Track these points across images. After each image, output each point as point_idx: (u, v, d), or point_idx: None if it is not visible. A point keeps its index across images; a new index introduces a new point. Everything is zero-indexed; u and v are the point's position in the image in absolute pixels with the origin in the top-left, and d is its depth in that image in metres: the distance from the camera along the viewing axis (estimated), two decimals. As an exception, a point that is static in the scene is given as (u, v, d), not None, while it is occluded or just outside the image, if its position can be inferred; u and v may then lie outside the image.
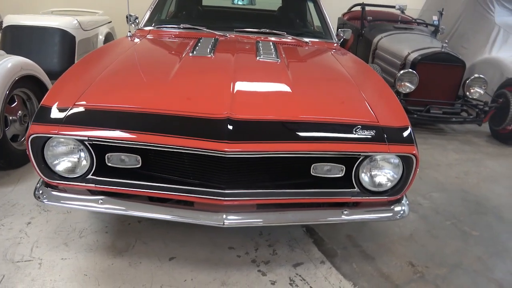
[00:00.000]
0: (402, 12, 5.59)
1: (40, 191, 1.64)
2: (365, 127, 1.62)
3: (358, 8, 6.06)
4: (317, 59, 2.62)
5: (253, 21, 3.35)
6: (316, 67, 2.43)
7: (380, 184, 1.65)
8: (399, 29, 5.03)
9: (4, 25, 4.25)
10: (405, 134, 1.65)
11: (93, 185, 1.58)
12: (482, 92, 3.97)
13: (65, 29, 4.26)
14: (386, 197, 1.68)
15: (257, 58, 2.25)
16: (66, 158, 1.57)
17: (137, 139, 1.47)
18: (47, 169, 1.57)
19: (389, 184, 1.65)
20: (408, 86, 3.92)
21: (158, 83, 1.80)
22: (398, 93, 3.99)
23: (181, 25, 2.92)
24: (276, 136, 1.53)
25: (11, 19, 4.25)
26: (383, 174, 1.64)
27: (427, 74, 3.97)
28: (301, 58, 2.57)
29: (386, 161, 1.62)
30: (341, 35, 3.27)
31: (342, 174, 1.63)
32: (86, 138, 1.49)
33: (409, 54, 4.13)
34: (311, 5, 3.52)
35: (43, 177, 1.58)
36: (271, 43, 2.64)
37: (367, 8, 5.41)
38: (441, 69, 4.01)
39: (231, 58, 2.18)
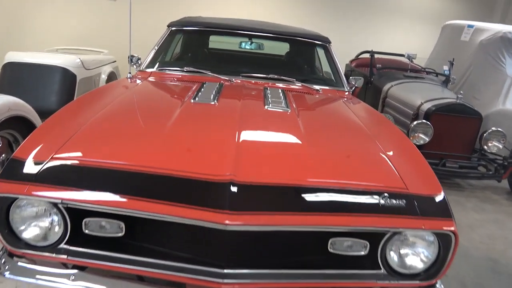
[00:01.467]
0: (411, 61, 5.50)
1: (2, 260, 1.36)
2: (392, 196, 1.36)
3: (366, 55, 6.01)
4: (330, 109, 2.42)
5: (260, 66, 3.20)
6: (329, 119, 2.21)
7: (411, 266, 1.36)
8: (409, 77, 4.90)
9: (5, 61, 4.14)
10: (441, 205, 1.40)
11: (66, 256, 1.31)
12: (500, 146, 3.74)
13: (66, 67, 4.15)
14: (418, 282, 1.39)
15: (265, 107, 2.04)
16: (36, 223, 1.31)
17: (120, 205, 1.22)
18: (11, 235, 1.31)
19: (422, 266, 1.37)
20: (422, 138, 3.71)
21: (153, 134, 1.57)
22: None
23: (185, 68, 2.76)
24: (288, 205, 1.27)
25: (12, 56, 4.15)
26: (415, 254, 1.36)
27: (441, 126, 3.77)
28: (313, 107, 2.37)
29: (418, 238, 1.35)
30: (353, 83, 3.10)
31: (366, 252, 1.35)
32: (60, 201, 1.24)
33: (422, 104, 3.95)
34: (321, 52, 3.38)
35: (6, 244, 1.32)
36: (280, 90, 2.45)
37: (375, 55, 5.34)
38: (456, 121, 3.81)
39: (237, 106, 1.97)
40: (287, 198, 1.30)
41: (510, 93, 5.00)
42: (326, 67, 3.47)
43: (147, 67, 2.88)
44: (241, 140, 1.55)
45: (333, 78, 3.12)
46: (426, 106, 3.89)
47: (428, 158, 3.74)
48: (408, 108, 4.15)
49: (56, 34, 6.67)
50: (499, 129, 3.75)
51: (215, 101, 2.02)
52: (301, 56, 3.45)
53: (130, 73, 2.75)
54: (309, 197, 1.32)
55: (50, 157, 1.35)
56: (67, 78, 4.16)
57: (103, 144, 1.49)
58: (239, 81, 2.68)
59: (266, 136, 1.70)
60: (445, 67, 5.13)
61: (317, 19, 7.62)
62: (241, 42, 3.27)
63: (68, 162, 1.34)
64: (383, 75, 5.08)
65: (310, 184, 1.36)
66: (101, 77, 4.87)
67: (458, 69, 5.37)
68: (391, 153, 1.69)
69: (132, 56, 3.10)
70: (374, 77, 5.14)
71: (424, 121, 3.70)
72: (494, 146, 3.76)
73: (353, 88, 3.07)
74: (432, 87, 4.55)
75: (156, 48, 3.04)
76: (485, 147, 3.75)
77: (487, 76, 5.24)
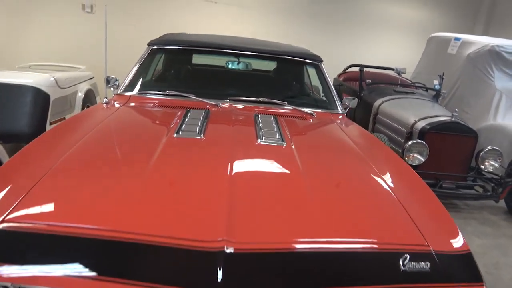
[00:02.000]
0: (399, 75, 5.40)
1: None
2: (414, 257, 1.16)
3: (354, 68, 5.89)
4: (327, 138, 2.21)
5: (249, 86, 2.98)
6: (328, 152, 2.00)
7: None
8: (400, 93, 4.78)
9: (-30, 81, 3.81)
10: (468, 264, 1.20)
11: None
12: (497, 165, 3.62)
13: (38, 86, 3.84)
14: None
15: (258, 140, 1.82)
16: None
17: None
18: None
19: None
20: (417, 158, 3.55)
21: (127, 186, 1.32)
22: (406, 164, 3.62)
23: (167, 92, 2.53)
24: (293, 281, 1.05)
25: (-22, 76, 3.82)
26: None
27: (436, 145, 3.63)
28: (309, 137, 2.16)
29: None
30: (347, 103, 2.93)
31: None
32: (9, 284, 0.98)
33: (416, 122, 3.81)
34: (311, 71, 3.20)
35: None
36: (272, 117, 2.24)
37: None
38: (452, 139, 3.68)
39: (226, 142, 1.75)
40: (292, 270, 1.07)
41: (500, 107, 4.94)
42: (318, 87, 3.31)
43: (125, 90, 2.64)
44: (234, 189, 1.32)
45: (326, 99, 2.94)
46: (420, 125, 3.75)
47: (423, 179, 3.63)
48: (401, 126, 4.00)
49: (29, 49, 6.33)
50: (495, 147, 3.63)
51: (201, 135, 1.79)
52: (291, 76, 3.27)
53: (106, 97, 2.50)
54: (317, 266, 1.10)
55: (1, 219, 1.10)
56: (40, 98, 3.85)
57: (66, 201, 1.24)
58: (227, 105, 2.47)
59: (262, 183, 1.45)
60: (435, 82, 5.04)
61: (302, 32, 7.51)
62: (227, 62, 3.07)
63: (22, 227, 1.09)
64: (373, 90, 4.95)
65: (318, 248, 1.14)
66: (78, 96, 4.57)
67: (446, 83, 5.29)
68: (402, 195, 1.49)
69: (109, 77, 2.86)
70: (363, 92, 5.01)
71: (419, 140, 3.55)
72: (490, 165, 3.63)
73: (347, 110, 2.90)
74: (424, 103, 4.44)
75: (135, 68, 2.80)
76: (482, 166, 3.63)
77: (476, 90, 5.18)
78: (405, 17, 8.17)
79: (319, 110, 2.69)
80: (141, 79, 2.74)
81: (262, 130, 1.94)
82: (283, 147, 1.78)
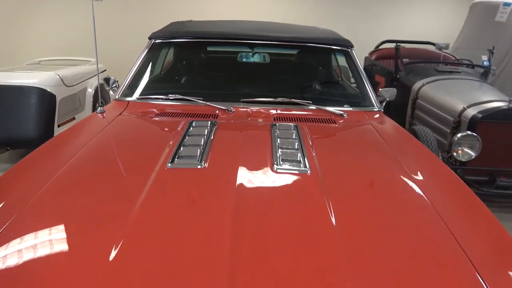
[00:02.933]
0: (441, 50, 4.75)
1: None
2: None
3: (388, 45, 5.29)
4: (363, 153, 1.74)
5: (265, 83, 2.55)
6: (365, 181, 1.49)
7: None
8: (443, 72, 4.19)
9: (-26, 84, 3.59)
10: None
11: None
12: None
13: (42, 87, 3.58)
14: None
15: (274, 167, 1.42)
16: None
17: None
18: None
19: None
20: (467, 153, 3.04)
21: (97, 258, 0.97)
22: (452, 159, 3.12)
23: (170, 96, 2.16)
24: None
25: (-19, 78, 3.60)
26: None
27: (490, 137, 3.09)
28: (339, 155, 1.70)
29: None
30: (384, 96, 2.46)
31: None
32: None
33: (464, 109, 3.27)
34: (341, 59, 2.73)
35: None
36: (292, 127, 1.82)
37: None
38: (510, 130, 3.12)
39: (233, 173, 1.35)
40: None
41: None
42: (348, 77, 2.83)
43: (124, 94, 2.29)
44: (237, 255, 0.95)
45: (359, 93, 2.48)
46: (470, 113, 3.20)
47: (473, 175, 3.14)
48: (447, 114, 3.46)
49: (37, 43, 6.10)
50: None
51: (202, 162, 1.41)
52: (316, 67, 2.80)
53: (101, 106, 2.16)
54: None
55: None
56: (45, 99, 3.59)
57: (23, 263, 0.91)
58: (241, 109, 2.08)
59: (275, 245, 1.04)
60: (484, 57, 4.39)
61: (321, 7, 6.87)
62: (240, 55, 2.64)
63: None
64: (412, 71, 4.37)
65: None
66: (87, 92, 4.30)
67: (494, 55, 4.62)
68: (463, 234, 1.08)
69: (108, 78, 2.53)
70: (400, 73, 4.44)
71: (470, 133, 3.03)
72: (557, 158, 3.07)
73: (384, 104, 2.43)
74: (472, 85, 3.84)
75: (135, 68, 2.44)
76: (547, 160, 3.07)
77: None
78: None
79: (351, 109, 2.25)
80: (142, 81, 2.38)
81: (279, 151, 1.53)
82: (307, 175, 1.37)
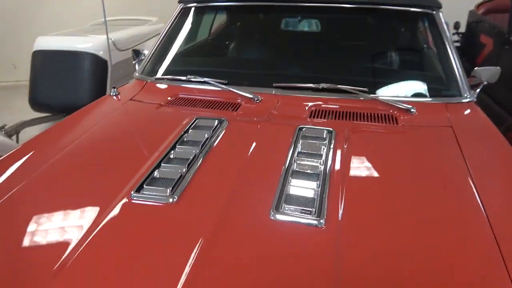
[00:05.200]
0: None
1: None
2: None
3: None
4: (421, 191, 1.10)
5: (312, 60, 1.98)
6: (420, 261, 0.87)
7: None
8: None
9: (33, 49, 3.62)
10: None
11: None
12: None
13: (94, 52, 3.46)
14: None
15: (271, 212, 0.95)
16: None
17: None
18: None
19: None
20: None
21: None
22: None
23: (189, 77, 1.78)
24: None
25: (40, 43, 3.60)
26: None
27: None
28: (381, 192, 1.08)
29: None
30: (480, 76, 1.76)
31: None
32: None
33: None
34: (421, 25, 2.02)
35: None
36: (324, 136, 1.32)
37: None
38: None
39: (210, 218, 0.94)
40: None
41: None
42: (431, 51, 2.12)
43: (144, 72, 1.98)
44: None
45: (441, 73, 1.80)
46: None
47: None
48: None
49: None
50: None
51: (174, 196, 1.02)
52: (382, 38, 2.09)
53: (115, 87, 1.88)
54: None
55: None
56: (97, 65, 3.49)
57: None
58: (272, 94, 1.63)
59: None
60: None
61: None
62: (285, 21, 2.09)
63: None
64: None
65: None
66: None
67: None
68: None
69: (136, 51, 2.24)
70: (515, 33, 3.39)
71: None
72: None
73: (480, 88, 1.74)
74: None
75: (159, 40, 2.09)
76: None
77: None
78: None
79: (425, 99, 1.64)
80: (164, 57, 2.03)
81: (290, 181, 1.07)
82: (321, 231, 0.91)
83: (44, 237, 0.93)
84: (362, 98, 1.59)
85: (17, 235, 0.94)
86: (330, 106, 1.58)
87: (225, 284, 0.77)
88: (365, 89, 1.59)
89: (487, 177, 1.16)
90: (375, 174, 1.14)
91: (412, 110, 1.53)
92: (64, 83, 3.48)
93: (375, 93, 1.62)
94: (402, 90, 1.69)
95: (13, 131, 3.08)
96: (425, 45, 1.99)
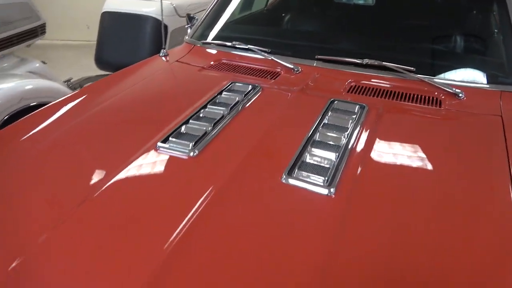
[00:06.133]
0: None
1: None
2: None
3: None
4: (455, 177, 1.05)
5: (365, 33, 1.89)
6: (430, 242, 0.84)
7: None
8: None
9: (103, 10, 3.86)
10: None
11: None
12: None
13: (157, 17, 3.60)
14: None
15: (283, 178, 0.96)
16: None
17: None
18: None
19: None
20: None
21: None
22: None
23: (235, 44, 1.81)
24: None
25: (109, 4, 3.81)
26: None
27: None
28: (408, 172, 1.05)
29: None
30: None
31: None
32: None
33: None
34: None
35: None
36: (356, 111, 1.29)
37: None
38: None
39: (223, 172, 0.99)
40: None
41: None
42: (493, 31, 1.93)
43: (193, 36, 2.05)
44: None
45: (502, 59, 1.64)
46: None
47: None
48: None
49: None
50: None
51: (195, 151, 1.07)
52: (446, 18, 1.91)
53: (164, 48, 1.97)
54: None
55: None
56: (158, 29, 3.62)
57: None
58: (313, 66, 1.62)
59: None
60: None
61: None
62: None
63: None
64: None
65: None
66: (203, 23, 4.20)
67: None
68: None
69: (190, 17, 2.31)
70: None
71: None
72: None
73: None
74: None
75: (212, 6, 2.13)
76: None
77: None
78: None
79: (477, 85, 1.52)
80: (214, 22, 2.07)
81: (310, 150, 1.07)
82: (328, 198, 0.91)
83: (76, 172, 1.03)
84: (407, 78, 1.52)
85: (55, 169, 1.06)
86: (371, 82, 1.52)
87: (223, 229, 0.82)
88: (412, 68, 1.51)
89: None
90: (400, 155, 1.10)
91: (460, 95, 1.43)
92: (127, 44, 3.68)
93: (422, 74, 1.53)
94: (453, 73, 1.58)
95: (77, 85, 3.35)
96: (487, 28, 1.82)
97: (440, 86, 1.45)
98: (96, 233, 0.83)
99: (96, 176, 0.99)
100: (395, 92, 1.45)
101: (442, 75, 1.56)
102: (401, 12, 1.95)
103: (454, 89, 1.44)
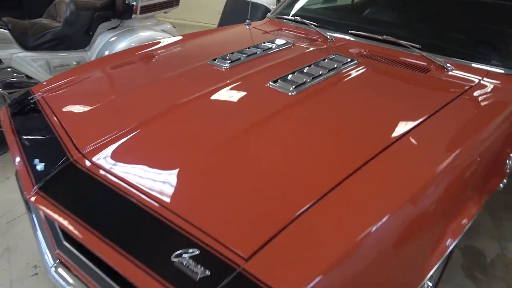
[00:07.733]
0: None
1: None
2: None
3: None
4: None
5: (405, 17, 2.26)
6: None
7: None
8: None
9: (227, -4, 4.78)
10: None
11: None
12: None
13: (267, 6, 4.36)
14: None
15: (269, 84, 1.58)
16: None
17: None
18: None
19: None
20: None
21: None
22: None
23: (297, 18, 2.42)
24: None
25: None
26: None
27: None
28: (366, 97, 1.53)
29: None
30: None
31: None
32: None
33: None
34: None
35: None
36: (345, 61, 1.78)
37: None
38: None
39: (235, 79, 1.65)
40: None
41: None
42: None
43: (274, 13, 2.71)
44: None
45: (501, 44, 1.87)
46: None
47: None
48: None
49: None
50: None
51: (227, 65, 1.77)
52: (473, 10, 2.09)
53: (249, 19, 2.68)
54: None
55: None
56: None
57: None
58: (345, 37, 2.14)
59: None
60: None
61: None
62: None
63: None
64: None
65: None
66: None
67: None
68: None
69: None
70: None
71: None
72: None
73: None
74: None
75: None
76: None
77: None
78: None
79: (467, 62, 1.77)
80: (289, 3, 2.69)
81: (295, 74, 1.64)
82: (286, 95, 1.49)
83: (163, 88, 1.81)
84: (411, 53, 1.89)
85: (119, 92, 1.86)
86: (379, 52, 1.96)
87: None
88: (418, 46, 1.87)
89: (438, 129, 1.30)
90: (356, 91, 1.57)
91: (449, 67, 1.75)
92: (241, 26, 4.54)
93: (426, 51, 1.83)
94: (452, 52, 1.85)
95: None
96: (495, 21, 1.97)
97: (434, 60, 1.79)
98: (181, 125, 1.37)
99: (182, 94, 1.61)
100: (393, 60, 1.86)
101: (442, 53, 1.85)
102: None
103: (445, 62, 1.77)
